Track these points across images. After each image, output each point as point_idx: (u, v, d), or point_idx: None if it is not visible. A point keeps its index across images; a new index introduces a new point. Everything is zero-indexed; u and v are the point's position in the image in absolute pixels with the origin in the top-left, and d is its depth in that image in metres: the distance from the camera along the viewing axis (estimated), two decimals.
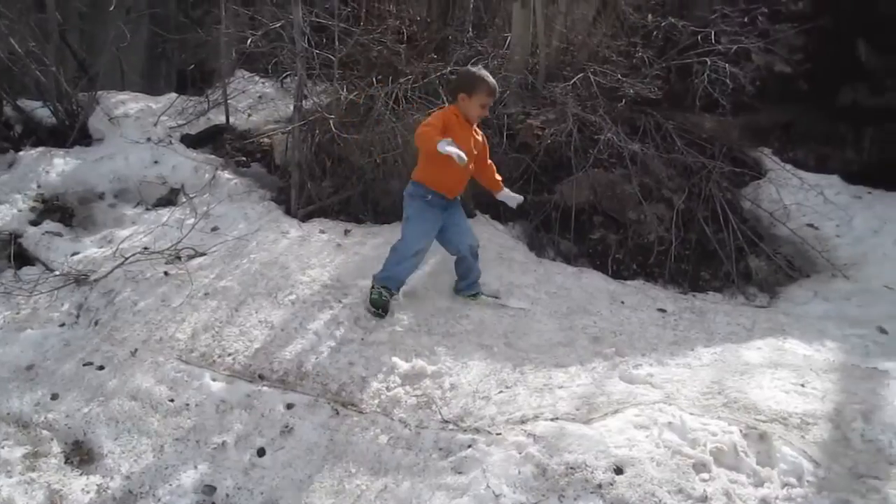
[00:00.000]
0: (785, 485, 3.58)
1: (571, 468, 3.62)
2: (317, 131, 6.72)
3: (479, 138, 5.15)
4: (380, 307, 5.01)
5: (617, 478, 3.56)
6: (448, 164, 4.73)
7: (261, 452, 4.06)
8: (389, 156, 6.37)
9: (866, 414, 4.07)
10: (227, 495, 3.84)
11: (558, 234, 6.34)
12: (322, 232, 6.07)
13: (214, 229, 6.09)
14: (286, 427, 4.17)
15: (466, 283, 5.32)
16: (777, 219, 6.66)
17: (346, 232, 6.14)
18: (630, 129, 6.87)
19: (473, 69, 5.08)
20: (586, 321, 5.18)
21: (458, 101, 4.95)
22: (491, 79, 4.95)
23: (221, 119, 7.85)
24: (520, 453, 3.73)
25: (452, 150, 4.52)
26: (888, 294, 5.83)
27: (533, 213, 6.42)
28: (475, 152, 5.05)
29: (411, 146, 6.28)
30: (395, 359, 4.58)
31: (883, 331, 5.30)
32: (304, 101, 6.77)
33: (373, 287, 5.08)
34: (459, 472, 3.74)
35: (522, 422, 3.99)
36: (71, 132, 7.38)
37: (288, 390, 4.40)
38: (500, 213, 6.46)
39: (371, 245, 5.90)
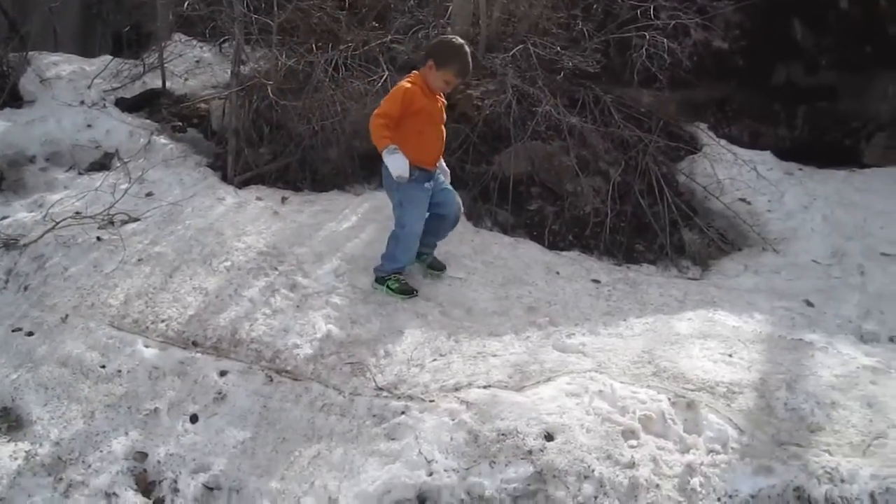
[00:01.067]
0: (710, 451, 3.69)
1: (503, 435, 3.68)
2: (254, 97, 6.64)
3: (443, 102, 5.08)
4: (408, 291, 4.96)
5: (547, 444, 3.63)
6: (423, 134, 4.75)
7: (193, 419, 4.05)
8: (328, 123, 6.32)
9: (790, 383, 4.20)
10: (159, 462, 3.83)
11: (496, 205, 6.34)
12: (259, 199, 6.02)
13: (149, 195, 6.00)
14: (219, 394, 4.15)
15: (427, 241, 5.21)
16: (711, 193, 6.76)
17: (284, 199, 6.09)
18: (569, 102, 6.91)
19: (457, 43, 4.87)
20: (521, 291, 5.23)
21: (425, 68, 4.84)
22: (468, 60, 4.83)
23: (157, 83, 7.68)
24: (452, 420, 3.78)
25: (392, 164, 4.56)
26: (815, 268, 5.99)
27: (471, 184, 6.42)
28: (443, 118, 5.04)
29: (350, 114, 6.27)
30: (330, 326, 4.59)
31: (809, 303, 5.45)
32: (241, 67, 6.68)
33: (386, 280, 4.97)
34: (392, 439, 3.78)
35: (456, 389, 4.04)
36: (1, 94, 7.17)
37: (221, 357, 4.38)
38: None
39: (308, 213, 5.86)
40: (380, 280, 4.99)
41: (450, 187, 5.17)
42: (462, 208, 5.29)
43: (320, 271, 5.11)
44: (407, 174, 4.57)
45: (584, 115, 6.81)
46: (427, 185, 4.94)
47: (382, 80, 6.47)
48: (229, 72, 6.85)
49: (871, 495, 3.41)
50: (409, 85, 4.77)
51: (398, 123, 4.69)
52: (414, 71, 4.99)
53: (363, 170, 6.51)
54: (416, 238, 4.98)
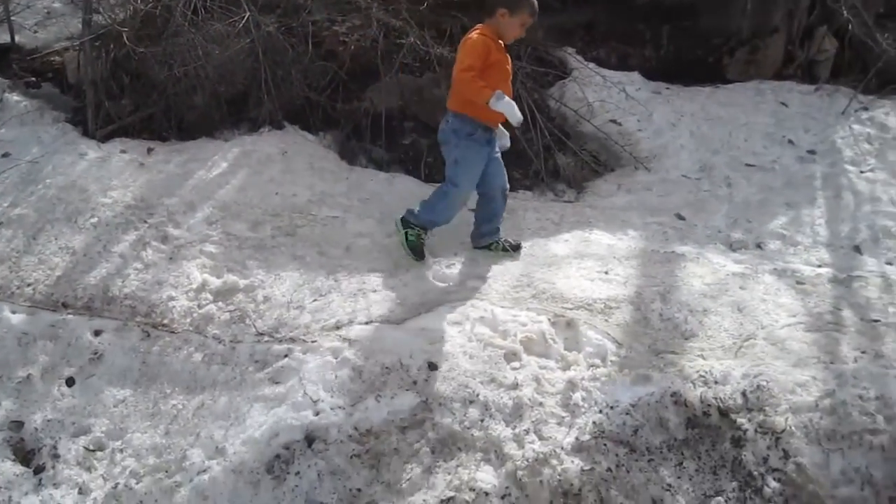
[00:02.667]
0: (590, 366, 3.79)
1: (387, 368, 3.71)
2: (111, 46, 6.36)
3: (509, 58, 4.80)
4: (420, 254, 4.73)
5: (431, 373, 3.67)
6: (492, 89, 4.44)
7: (70, 382, 3.96)
8: (191, 69, 6.09)
9: (664, 295, 4.34)
10: (37, 429, 3.75)
11: (370, 142, 6.28)
12: (123, 152, 5.79)
13: (5, 155, 5.70)
14: (95, 354, 4.07)
15: (488, 229, 4.93)
16: (582, 116, 6.83)
17: (150, 150, 5.88)
18: (437, 33, 6.83)
19: None
20: None
21: (497, 18, 4.57)
22: None
23: (6, 38, 7.27)
24: (336, 358, 3.78)
25: (509, 110, 4.28)
26: (685, 183, 6.14)
27: (343, 121, 6.34)
28: (510, 74, 4.79)
29: (213, 57, 6.06)
30: (205, 275, 4.51)
31: (680, 217, 5.60)
32: (94, 15, 6.38)
33: (408, 226, 4.74)
34: (277, 383, 3.76)
35: (337, 328, 4.04)
36: None
37: (95, 316, 4.27)
38: (309, 123, 6.35)
39: (176, 162, 5.68)
40: (405, 222, 4.76)
41: (499, 157, 4.95)
42: (508, 185, 5.03)
43: (192, 221, 4.99)
44: (521, 118, 4.38)
45: (452, 45, 6.75)
46: (487, 146, 4.76)
47: (244, 21, 6.26)
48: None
49: (743, 393, 3.56)
50: (480, 36, 4.52)
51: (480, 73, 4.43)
52: (478, 25, 4.70)
53: (231, 115, 6.33)
54: (465, 201, 4.80)
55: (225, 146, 5.94)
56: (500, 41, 4.63)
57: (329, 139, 6.29)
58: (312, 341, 3.95)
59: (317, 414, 3.53)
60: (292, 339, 4.01)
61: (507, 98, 4.29)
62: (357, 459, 3.40)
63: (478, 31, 4.59)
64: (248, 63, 6.20)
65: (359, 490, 3.32)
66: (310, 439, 3.47)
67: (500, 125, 4.86)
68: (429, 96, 6.46)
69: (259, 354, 3.94)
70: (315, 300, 4.32)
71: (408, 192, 5.72)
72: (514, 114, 4.32)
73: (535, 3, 4.66)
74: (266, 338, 4.06)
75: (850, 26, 7.48)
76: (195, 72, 6.11)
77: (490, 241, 4.92)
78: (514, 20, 4.58)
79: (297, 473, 3.39)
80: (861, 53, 7.71)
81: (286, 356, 3.88)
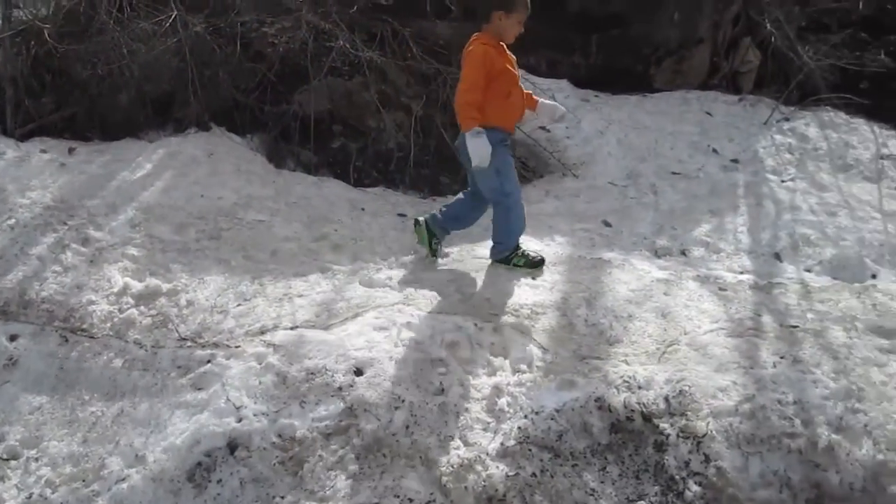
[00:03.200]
0: (516, 371, 3.78)
1: (312, 374, 3.66)
2: (32, 43, 6.22)
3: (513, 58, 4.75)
4: (539, 261, 4.73)
5: (357, 379, 3.62)
6: (510, 97, 4.51)
7: None
8: (115, 67, 5.99)
9: (590, 300, 4.36)
10: None
11: (298, 144, 6.26)
12: (43, 151, 5.67)
13: None
14: (10, 360, 3.95)
15: (451, 226, 4.92)
16: None
17: (71, 150, 5.77)
18: (367, 37, 6.82)
19: None
20: (327, 229, 5.18)
21: (493, 22, 4.50)
22: None
23: None
24: (260, 364, 3.72)
25: (474, 149, 4.31)
26: (612, 190, 6.22)
27: (271, 124, 6.30)
28: (518, 74, 4.72)
29: (138, 56, 5.95)
30: (127, 279, 4.41)
31: (607, 224, 5.65)
32: (15, 10, 6.23)
33: (508, 260, 4.72)
34: (199, 389, 3.69)
35: (262, 332, 3.98)
36: None
37: (10, 321, 4.15)
38: (237, 125, 6.30)
39: (99, 163, 5.58)
40: (504, 260, 4.74)
41: None
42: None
43: (114, 223, 4.90)
44: (487, 163, 4.36)
45: (382, 49, 6.74)
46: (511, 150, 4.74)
47: (171, 20, 6.17)
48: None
49: (666, 398, 3.59)
50: (481, 46, 4.46)
51: (483, 90, 4.42)
52: (474, 35, 4.63)
53: (157, 115, 6.25)
54: (522, 202, 4.75)
55: (149, 147, 5.85)
56: (500, 44, 4.60)
57: (257, 142, 6.25)
58: (236, 346, 3.88)
59: (239, 420, 3.47)
60: (216, 345, 3.93)
61: (481, 139, 4.32)
62: (280, 467, 3.35)
63: (476, 40, 4.57)
64: (174, 63, 6.13)
65: (282, 498, 3.27)
66: (232, 446, 3.40)
67: (541, 99, 4.97)
68: (358, 100, 6.45)
69: (181, 360, 3.85)
70: (239, 305, 4.26)
71: (336, 196, 5.69)
72: (478, 154, 4.34)
73: None
74: (189, 343, 3.98)
75: (773, 39, 7.68)
76: (120, 71, 6.03)
77: (439, 239, 4.91)
78: (511, 20, 4.54)
79: (219, 481, 3.32)
80: (783, 65, 7.91)
81: (209, 362, 3.80)
